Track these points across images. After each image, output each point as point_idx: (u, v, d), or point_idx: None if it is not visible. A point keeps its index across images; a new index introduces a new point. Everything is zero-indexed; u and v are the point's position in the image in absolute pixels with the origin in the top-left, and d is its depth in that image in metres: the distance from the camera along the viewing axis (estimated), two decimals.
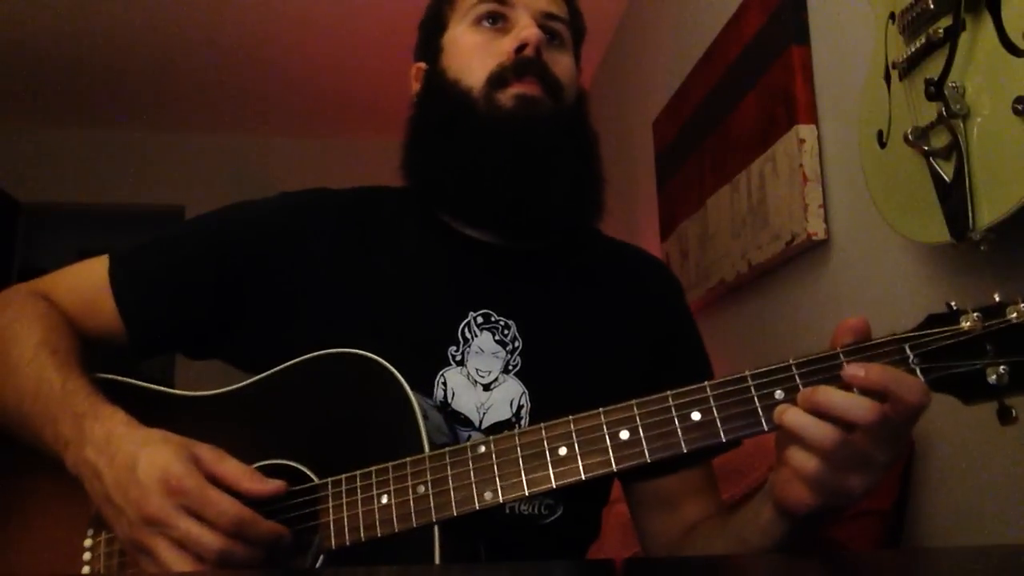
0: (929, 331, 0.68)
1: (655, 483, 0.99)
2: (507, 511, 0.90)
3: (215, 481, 0.75)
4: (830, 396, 0.67)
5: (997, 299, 0.67)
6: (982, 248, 1.05)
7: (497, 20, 0.98)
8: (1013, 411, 0.66)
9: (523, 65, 0.95)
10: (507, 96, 0.94)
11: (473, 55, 0.97)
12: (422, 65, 1.05)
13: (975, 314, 0.67)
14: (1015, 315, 0.66)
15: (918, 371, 0.68)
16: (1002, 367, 0.65)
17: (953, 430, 1.27)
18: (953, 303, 0.69)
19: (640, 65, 2.99)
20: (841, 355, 0.69)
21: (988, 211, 1.03)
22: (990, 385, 0.66)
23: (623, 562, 1.09)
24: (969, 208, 1.05)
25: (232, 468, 0.76)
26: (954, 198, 1.08)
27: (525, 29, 0.95)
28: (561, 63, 0.99)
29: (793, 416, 0.68)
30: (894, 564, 0.76)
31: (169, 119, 4.30)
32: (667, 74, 2.63)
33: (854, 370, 0.67)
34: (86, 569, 0.85)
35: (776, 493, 0.75)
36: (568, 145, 0.96)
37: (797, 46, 1.71)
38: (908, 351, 0.68)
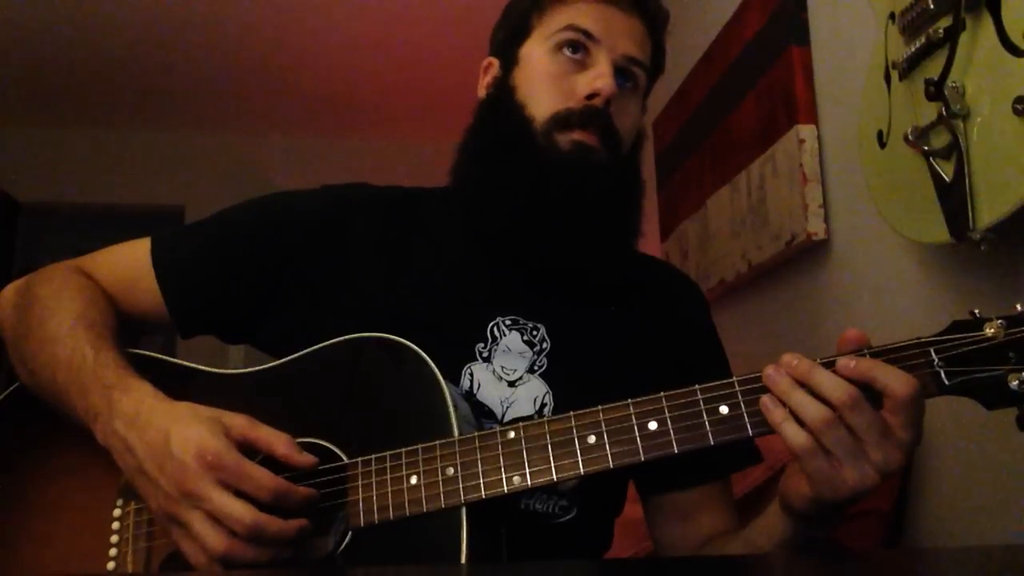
0: (954, 336, 0.70)
1: (674, 495, 1.00)
2: (522, 506, 0.91)
3: (248, 447, 0.77)
4: (815, 373, 0.70)
5: (1020, 308, 0.69)
6: (982, 248, 1.05)
7: (578, 50, 0.98)
8: None
9: (588, 115, 0.96)
10: (566, 139, 0.95)
11: (545, 85, 0.98)
12: (496, 64, 1.05)
13: (999, 321, 0.68)
14: None
15: (943, 374, 0.69)
16: None
17: (953, 430, 1.27)
18: (977, 311, 0.71)
19: None
20: (867, 353, 0.71)
21: (988, 211, 1.03)
22: (1012, 391, 0.67)
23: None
24: (969, 208, 1.05)
25: (265, 434, 0.78)
26: (954, 198, 1.08)
27: (600, 79, 0.95)
28: (627, 112, 1.00)
29: (783, 383, 0.71)
30: (894, 564, 0.76)
31: (169, 119, 4.29)
32: (667, 74, 2.62)
33: (846, 360, 0.70)
34: (115, 538, 0.87)
35: (781, 487, 0.77)
36: (614, 196, 0.98)
37: (797, 46, 1.71)
38: (933, 355, 0.70)
